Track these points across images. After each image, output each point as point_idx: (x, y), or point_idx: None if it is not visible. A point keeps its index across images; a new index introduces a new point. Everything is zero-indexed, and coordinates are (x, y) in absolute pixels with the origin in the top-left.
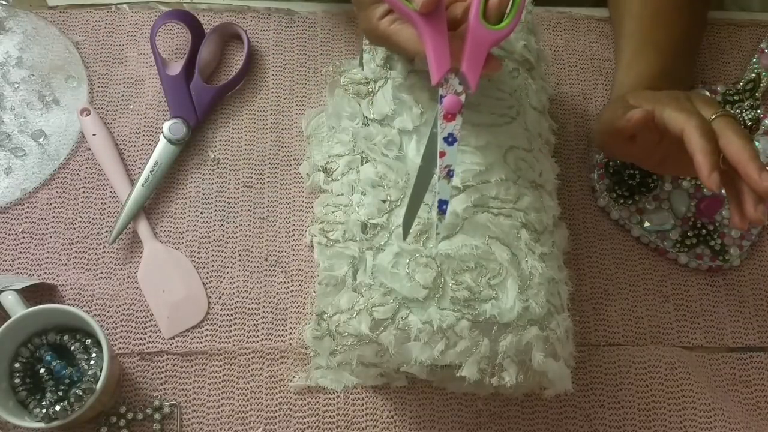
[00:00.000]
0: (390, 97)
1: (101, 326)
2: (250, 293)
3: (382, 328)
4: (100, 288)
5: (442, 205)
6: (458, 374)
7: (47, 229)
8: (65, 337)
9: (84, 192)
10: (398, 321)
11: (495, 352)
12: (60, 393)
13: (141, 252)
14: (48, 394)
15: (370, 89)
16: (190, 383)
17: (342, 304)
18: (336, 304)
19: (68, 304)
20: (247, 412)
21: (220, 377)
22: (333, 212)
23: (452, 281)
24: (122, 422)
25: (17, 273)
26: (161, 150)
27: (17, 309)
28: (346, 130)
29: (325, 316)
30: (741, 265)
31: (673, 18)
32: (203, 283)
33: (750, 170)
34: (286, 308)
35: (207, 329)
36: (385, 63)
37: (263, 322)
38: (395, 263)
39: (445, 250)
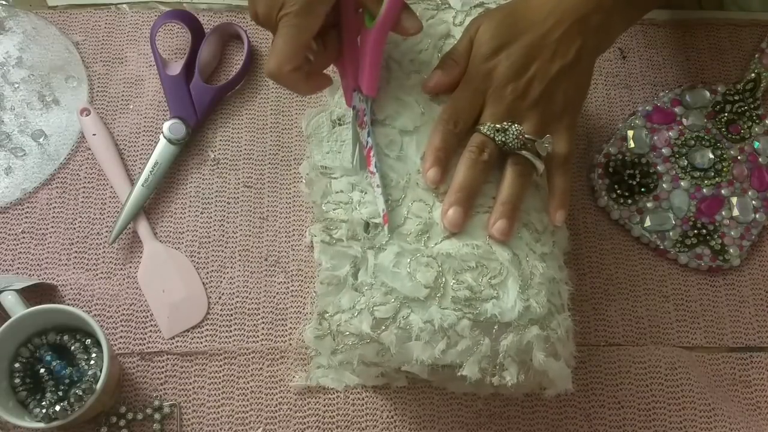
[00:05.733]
0: (391, 97)
1: (101, 326)
2: (250, 293)
3: (384, 328)
4: (100, 288)
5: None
6: (459, 374)
7: (47, 229)
8: (65, 337)
9: (84, 192)
10: (399, 320)
11: (496, 351)
12: (60, 393)
13: (141, 252)
14: (48, 394)
15: None
16: (190, 383)
17: (343, 303)
18: (337, 304)
19: (68, 304)
20: (247, 412)
21: (220, 377)
22: (334, 210)
23: (453, 281)
24: (122, 422)
25: (17, 273)
26: (161, 150)
27: (17, 309)
28: (347, 128)
29: (327, 316)
30: (741, 265)
31: None
32: (203, 283)
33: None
34: (286, 308)
35: (207, 329)
36: (387, 64)
37: (263, 322)
38: (396, 263)
39: (446, 249)
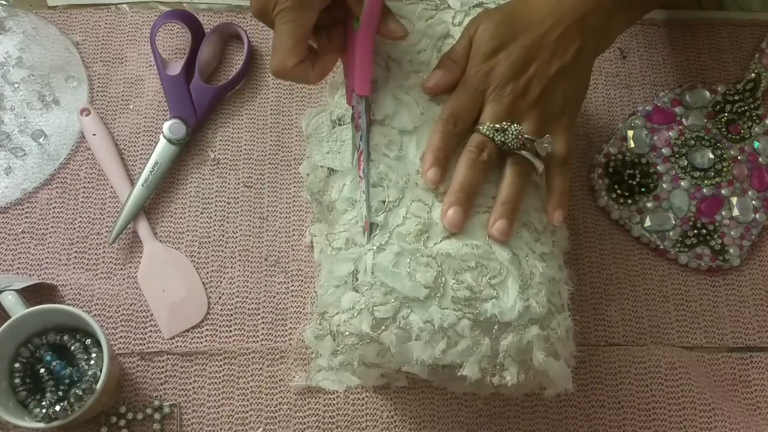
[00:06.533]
0: (390, 97)
1: (101, 326)
2: (250, 293)
3: (384, 328)
4: (100, 288)
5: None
6: (459, 374)
7: (47, 229)
8: (65, 337)
9: (84, 192)
10: (399, 320)
11: (496, 351)
12: (60, 393)
13: (141, 252)
14: (48, 394)
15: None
16: (190, 383)
17: (343, 303)
18: (337, 304)
19: (68, 304)
20: (247, 412)
21: (220, 377)
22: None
23: (453, 280)
24: (122, 422)
25: (17, 273)
26: (161, 150)
27: (17, 309)
28: (347, 128)
29: (327, 316)
30: (741, 265)
31: None
32: (203, 283)
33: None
34: (286, 308)
35: (207, 329)
36: (386, 64)
37: (263, 322)
38: (396, 262)
39: (445, 249)
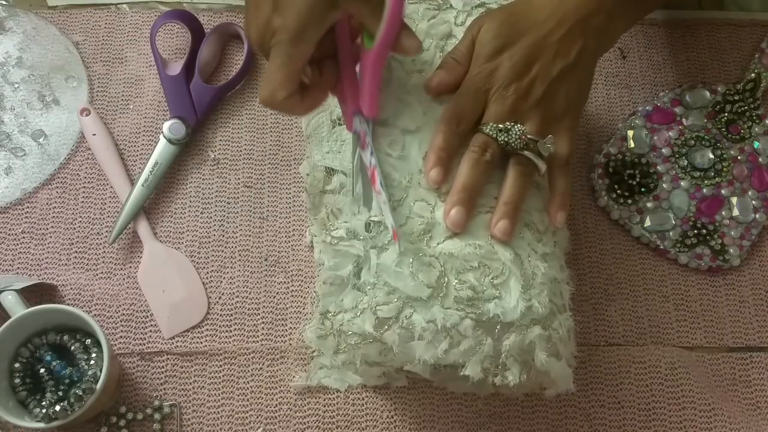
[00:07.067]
0: (393, 97)
1: (101, 326)
2: (250, 293)
3: (386, 327)
4: (100, 288)
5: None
6: (461, 374)
7: (47, 229)
8: (65, 337)
9: (84, 192)
10: (402, 320)
11: (498, 351)
12: (60, 393)
13: (141, 252)
14: (48, 394)
15: None
16: (190, 383)
17: (346, 303)
18: (339, 303)
19: (68, 304)
20: (247, 412)
21: (220, 377)
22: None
23: (456, 280)
24: (122, 422)
25: (17, 273)
26: (161, 150)
27: (17, 309)
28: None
29: (329, 315)
30: (741, 265)
31: None
32: (203, 283)
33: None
34: (286, 308)
35: (207, 329)
36: (389, 63)
37: (263, 322)
38: (399, 262)
39: (448, 249)
